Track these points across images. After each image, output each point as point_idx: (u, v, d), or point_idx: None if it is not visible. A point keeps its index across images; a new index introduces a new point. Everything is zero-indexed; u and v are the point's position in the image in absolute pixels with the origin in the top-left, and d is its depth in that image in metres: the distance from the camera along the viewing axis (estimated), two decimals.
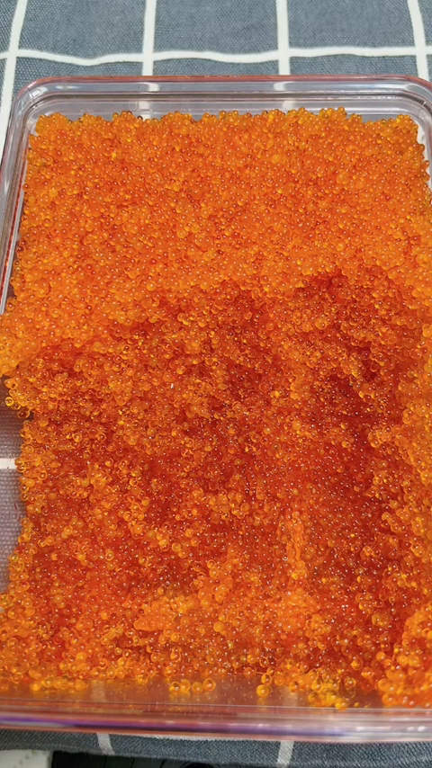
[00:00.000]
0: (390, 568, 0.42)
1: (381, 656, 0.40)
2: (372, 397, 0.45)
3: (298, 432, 0.45)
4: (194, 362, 0.46)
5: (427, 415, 0.44)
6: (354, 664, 0.40)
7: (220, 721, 0.37)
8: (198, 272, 0.46)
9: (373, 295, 0.46)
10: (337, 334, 0.47)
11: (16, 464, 0.46)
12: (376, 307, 0.46)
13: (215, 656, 0.41)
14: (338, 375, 0.47)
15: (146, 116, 0.53)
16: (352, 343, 0.46)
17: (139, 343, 0.47)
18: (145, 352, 0.47)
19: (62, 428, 0.46)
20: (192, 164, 0.50)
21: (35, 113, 0.54)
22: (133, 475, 0.45)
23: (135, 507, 0.44)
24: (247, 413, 0.46)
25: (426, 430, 0.44)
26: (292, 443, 0.45)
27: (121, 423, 0.45)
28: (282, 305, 0.47)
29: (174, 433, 0.45)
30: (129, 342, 0.47)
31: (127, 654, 0.42)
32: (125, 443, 0.45)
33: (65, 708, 0.38)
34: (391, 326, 0.46)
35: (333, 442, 0.46)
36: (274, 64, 0.63)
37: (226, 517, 0.44)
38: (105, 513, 0.44)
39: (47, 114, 0.54)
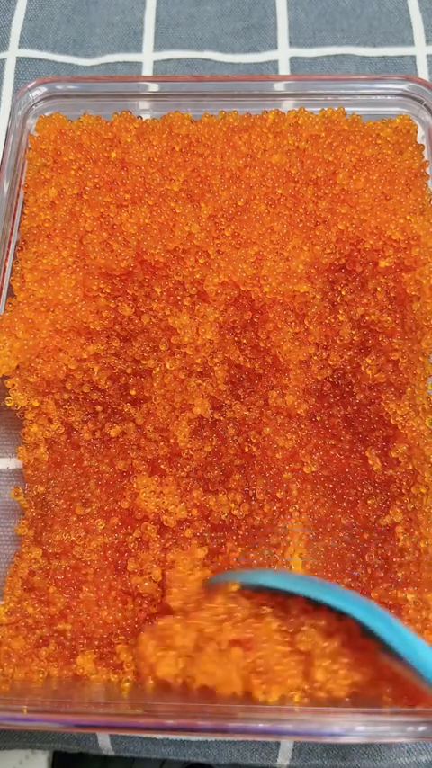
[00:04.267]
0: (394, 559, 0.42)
1: None
2: (372, 398, 0.45)
3: (298, 431, 0.45)
4: (198, 361, 0.46)
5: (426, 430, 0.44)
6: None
7: (220, 721, 0.37)
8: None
9: (378, 297, 0.46)
10: (336, 339, 0.47)
11: (20, 459, 0.46)
12: (377, 318, 0.46)
13: None
14: (338, 375, 0.47)
15: (146, 116, 0.53)
16: (354, 339, 0.47)
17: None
18: (148, 350, 0.47)
19: (61, 428, 0.46)
20: (192, 164, 0.50)
21: (35, 113, 0.54)
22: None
23: None
24: (247, 413, 0.46)
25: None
26: (292, 443, 0.45)
27: (119, 428, 0.46)
28: (282, 305, 0.47)
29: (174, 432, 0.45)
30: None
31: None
32: (125, 444, 0.45)
33: (65, 708, 0.38)
34: (391, 333, 0.46)
35: (333, 442, 0.46)
36: (274, 64, 0.63)
37: (226, 517, 0.44)
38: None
39: (47, 114, 0.54)
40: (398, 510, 0.43)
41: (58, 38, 0.64)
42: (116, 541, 0.44)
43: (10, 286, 0.48)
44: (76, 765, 0.52)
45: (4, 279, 0.49)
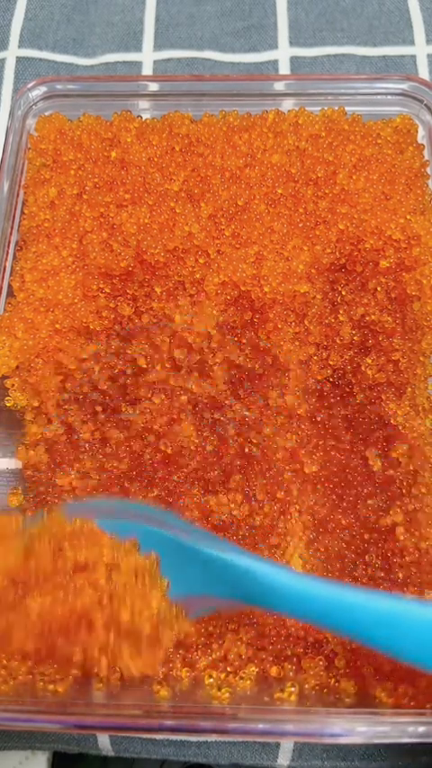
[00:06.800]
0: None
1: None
2: (372, 399, 0.45)
3: (298, 431, 0.45)
4: (196, 359, 0.46)
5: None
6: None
7: (220, 722, 0.37)
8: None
9: (378, 297, 0.46)
10: (336, 339, 0.47)
11: (20, 459, 0.46)
12: (377, 319, 0.46)
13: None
14: (338, 375, 0.47)
15: (146, 116, 0.53)
16: (354, 339, 0.46)
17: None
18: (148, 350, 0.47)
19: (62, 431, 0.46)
20: (192, 163, 0.50)
21: (35, 113, 0.54)
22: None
23: None
24: (247, 413, 0.45)
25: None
26: (292, 443, 0.45)
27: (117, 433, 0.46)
28: (282, 305, 0.47)
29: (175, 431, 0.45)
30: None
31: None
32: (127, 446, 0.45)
33: (65, 708, 0.38)
34: (391, 332, 0.46)
35: (333, 442, 0.46)
36: (274, 63, 0.63)
37: (226, 517, 0.44)
38: None
39: (46, 114, 0.54)
40: (398, 510, 0.43)
41: (57, 37, 0.64)
42: None
43: (10, 286, 0.48)
44: (75, 766, 0.52)
45: (3, 279, 0.49)
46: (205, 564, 0.38)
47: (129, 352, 0.46)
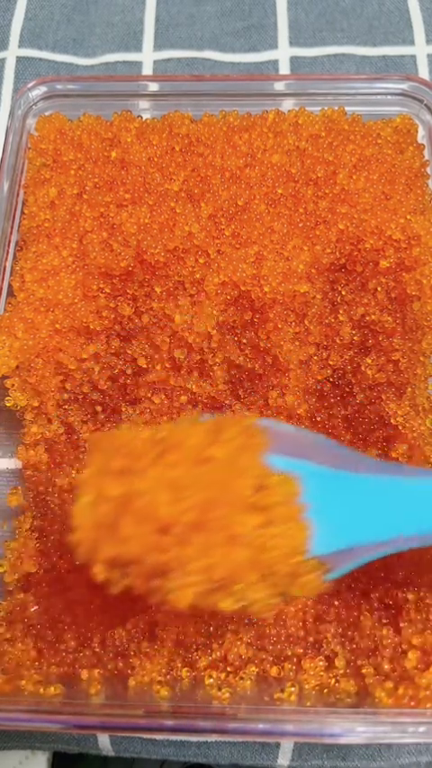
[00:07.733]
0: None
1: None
2: (372, 399, 0.45)
3: None
4: (198, 360, 0.46)
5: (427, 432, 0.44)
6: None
7: (220, 722, 0.37)
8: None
9: (378, 297, 0.46)
10: (336, 339, 0.47)
11: (20, 459, 0.46)
12: (378, 318, 0.46)
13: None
14: (338, 375, 0.47)
15: (146, 115, 0.53)
16: (354, 339, 0.46)
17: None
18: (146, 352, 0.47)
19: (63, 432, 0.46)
20: (192, 163, 0.50)
21: (35, 113, 0.54)
22: None
23: None
24: (248, 413, 0.45)
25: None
26: None
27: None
28: (282, 305, 0.47)
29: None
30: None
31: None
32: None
33: (65, 708, 0.38)
34: (391, 332, 0.46)
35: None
36: (274, 63, 0.63)
37: None
38: None
39: (47, 114, 0.54)
40: None
41: (57, 37, 0.64)
42: None
43: (10, 286, 0.48)
44: (75, 766, 0.52)
45: (3, 279, 0.49)
46: (372, 497, 0.36)
47: (129, 352, 0.46)
